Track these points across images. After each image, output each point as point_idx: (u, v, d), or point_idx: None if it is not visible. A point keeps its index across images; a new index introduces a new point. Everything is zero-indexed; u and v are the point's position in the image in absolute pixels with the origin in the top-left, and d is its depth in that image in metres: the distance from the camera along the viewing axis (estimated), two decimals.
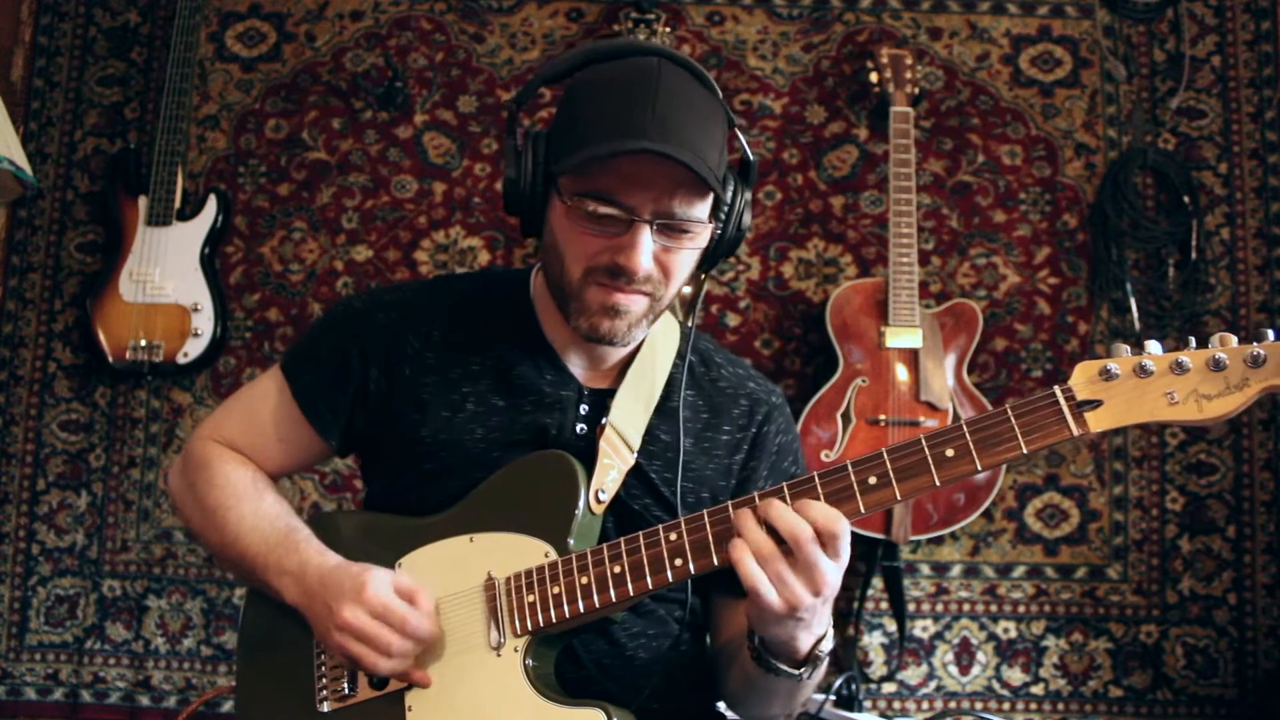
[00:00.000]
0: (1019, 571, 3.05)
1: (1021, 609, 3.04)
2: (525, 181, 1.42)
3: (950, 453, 1.21)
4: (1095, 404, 1.17)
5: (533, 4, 3.27)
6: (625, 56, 1.41)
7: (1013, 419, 1.20)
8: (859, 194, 3.19)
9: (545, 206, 1.43)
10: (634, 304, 1.40)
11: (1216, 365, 1.13)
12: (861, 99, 3.21)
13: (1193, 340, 1.16)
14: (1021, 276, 3.16)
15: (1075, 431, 1.17)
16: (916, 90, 3.04)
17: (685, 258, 1.41)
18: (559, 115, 1.43)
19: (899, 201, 2.93)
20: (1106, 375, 1.17)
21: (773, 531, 1.23)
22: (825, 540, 1.22)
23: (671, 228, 1.37)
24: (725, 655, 1.55)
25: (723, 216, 1.43)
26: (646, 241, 1.35)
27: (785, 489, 1.26)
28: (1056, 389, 1.19)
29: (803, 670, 1.32)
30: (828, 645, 1.32)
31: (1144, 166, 3.14)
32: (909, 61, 3.05)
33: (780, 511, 1.23)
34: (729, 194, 1.43)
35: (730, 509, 1.29)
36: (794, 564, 1.22)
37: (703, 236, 1.41)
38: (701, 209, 1.38)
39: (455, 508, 1.46)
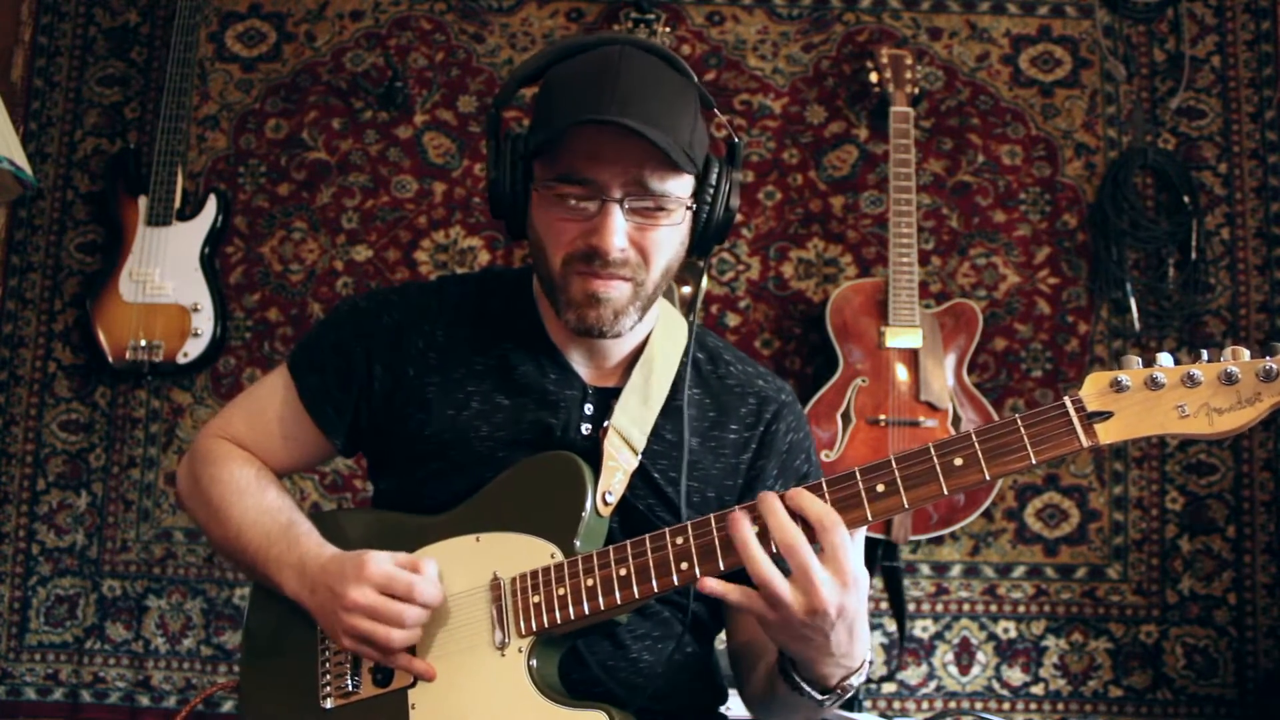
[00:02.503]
0: (1019, 571, 3.06)
1: (1021, 609, 3.04)
2: (506, 182, 1.42)
3: (959, 462, 1.21)
4: (1105, 415, 1.17)
5: (533, 4, 3.27)
6: (596, 48, 1.42)
7: (1022, 429, 1.19)
8: (859, 194, 3.19)
9: (528, 206, 1.44)
10: (615, 290, 1.40)
11: (1228, 379, 1.12)
12: (861, 99, 3.22)
13: (1204, 352, 1.15)
14: (1021, 276, 3.16)
15: (1085, 443, 1.17)
16: (916, 90, 3.04)
17: (663, 236, 1.40)
18: (533, 111, 1.44)
19: (899, 201, 2.93)
20: (1117, 387, 1.16)
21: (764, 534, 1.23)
22: (816, 534, 1.20)
23: (644, 205, 1.37)
24: (747, 657, 1.54)
25: (708, 197, 1.42)
26: (618, 219, 1.35)
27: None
28: (1067, 400, 1.18)
29: (826, 698, 1.31)
30: (857, 680, 1.31)
31: (1144, 166, 3.15)
32: (909, 61, 3.06)
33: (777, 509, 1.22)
34: (713, 175, 1.42)
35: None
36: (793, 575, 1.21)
37: (678, 214, 1.40)
38: (675, 184, 1.37)
39: (462, 507, 1.46)
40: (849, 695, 1.32)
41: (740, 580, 1.49)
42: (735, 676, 1.60)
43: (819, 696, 1.30)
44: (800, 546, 1.20)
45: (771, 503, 1.23)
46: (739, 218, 3.15)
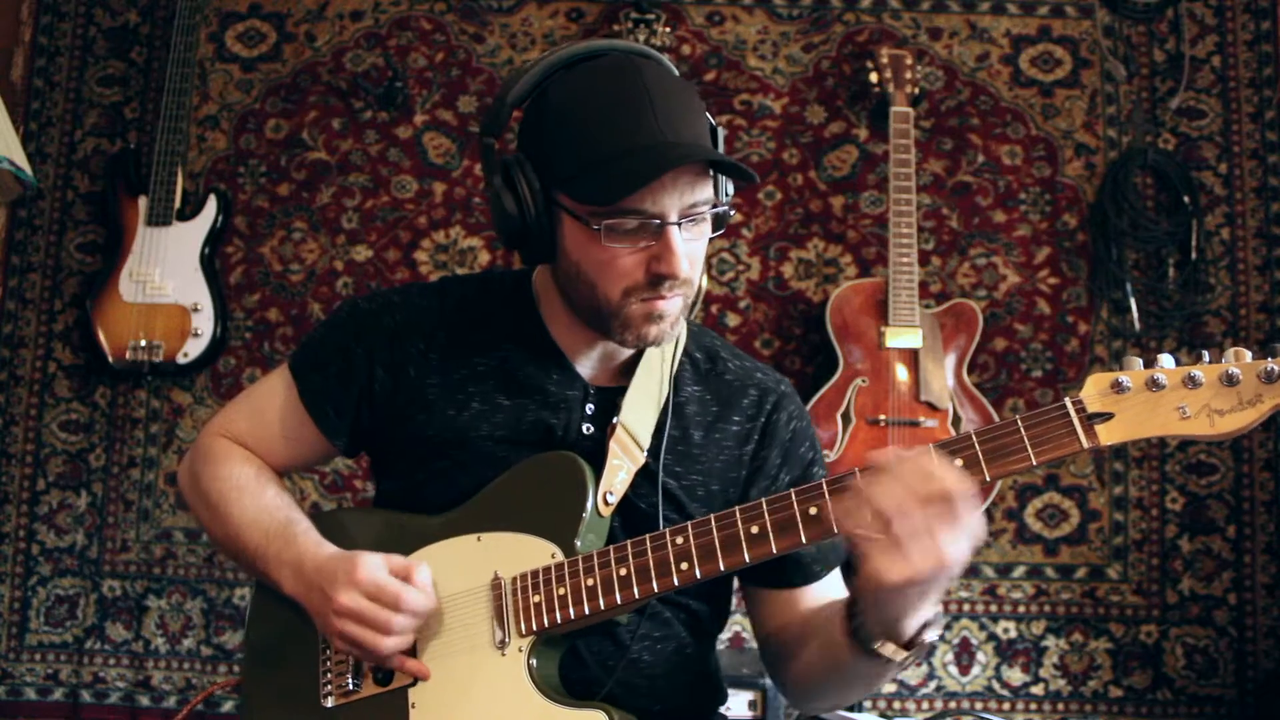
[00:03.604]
0: (1019, 571, 3.06)
1: (1021, 609, 3.04)
2: (529, 213, 1.38)
3: (959, 463, 1.20)
4: (1106, 417, 1.17)
5: (533, 4, 3.27)
6: (589, 59, 1.40)
7: (1023, 430, 1.19)
8: (859, 194, 3.19)
9: (554, 232, 1.41)
10: (673, 305, 1.39)
11: (1230, 380, 1.12)
12: (861, 99, 3.21)
13: (1205, 354, 1.15)
14: (1021, 276, 3.16)
15: (1085, 444, 1.17)
16: (916, 90, 3.04)
17: (705, 242, 1.42)
18: (545, 134, 1.39)
19: (899, 201, 2.93)
20: (1118, 388, 1.16)
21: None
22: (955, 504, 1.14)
23: (694, 220, 1.36)
24: (787, 642, 1.52)
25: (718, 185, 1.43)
26: (680, 242, 1.34)
27: (793, 495, 1.26)
28: (1067, 401, 1.18)
29: (907, 656, 1.26)
30: (933, 634, 1.26)
31: (1144, 166, 3.15)
32: (909, 61, 3.05)
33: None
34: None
35: (737, 514, 1.30)
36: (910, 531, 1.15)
37: (710, 217, 1.41)
38: (710, 189, 1.37)
39: (463, 507, 1.46)
40: (923, 650, 1.27)
41: (757, 575, 1.48)
42: (771, 666, 1.58)
43: (900, 657, 1.25)
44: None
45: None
46: (738, 217, 3.15)
